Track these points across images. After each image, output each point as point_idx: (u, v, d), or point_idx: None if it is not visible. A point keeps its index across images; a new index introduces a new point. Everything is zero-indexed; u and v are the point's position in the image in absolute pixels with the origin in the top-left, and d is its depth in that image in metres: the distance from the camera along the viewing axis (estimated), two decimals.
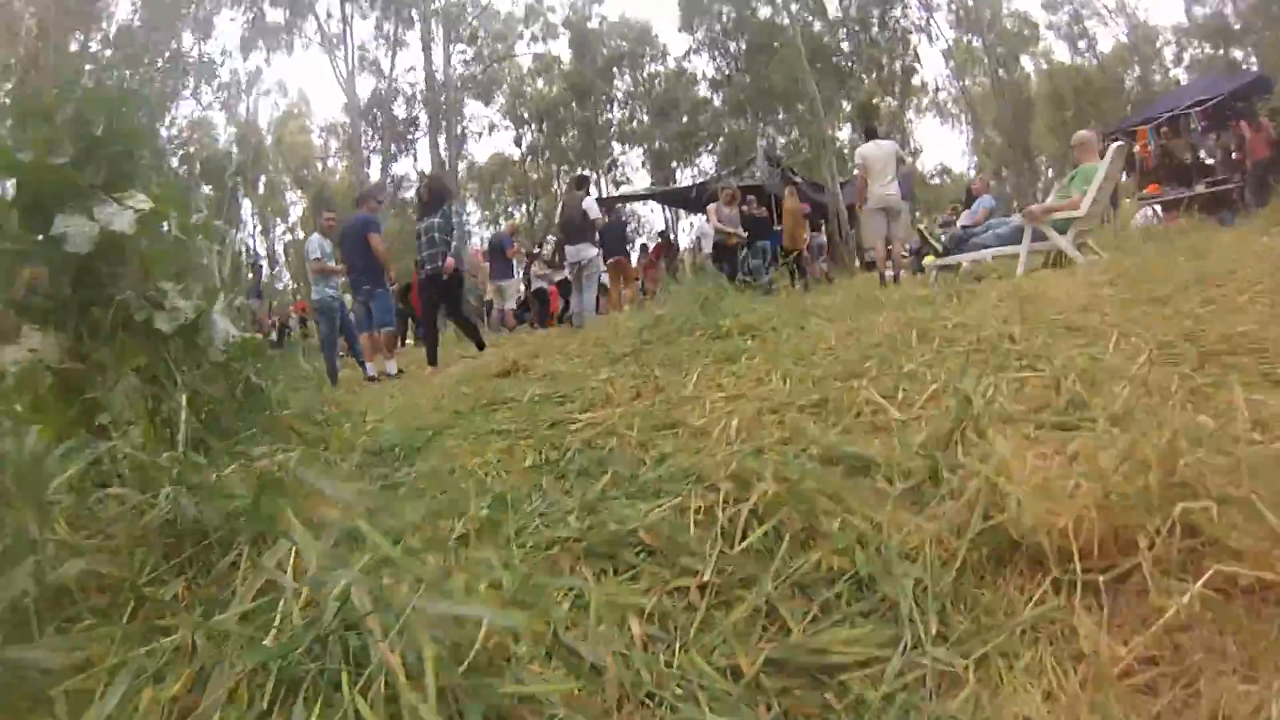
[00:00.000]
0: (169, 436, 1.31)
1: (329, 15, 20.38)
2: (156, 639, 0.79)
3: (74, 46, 17.25)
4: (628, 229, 12.79)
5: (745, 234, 8.76)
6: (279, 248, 27.49)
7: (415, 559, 0.85)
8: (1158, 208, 9.63)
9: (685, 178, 23.29)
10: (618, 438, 1.53)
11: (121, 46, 18.05)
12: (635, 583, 0.96)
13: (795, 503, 1.00)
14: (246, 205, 23.85)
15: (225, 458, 1.26)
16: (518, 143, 26.44)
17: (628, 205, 21.61)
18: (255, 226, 25.87)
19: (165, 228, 1.45)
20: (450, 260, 5.60)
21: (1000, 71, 21.24)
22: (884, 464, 1.14)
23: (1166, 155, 10.87)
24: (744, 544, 0.97)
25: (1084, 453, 0.92)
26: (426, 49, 20.17)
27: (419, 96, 21.25)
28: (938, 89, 24.91)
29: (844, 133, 22.80)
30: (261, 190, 25.09)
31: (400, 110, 21.83)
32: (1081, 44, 21.58)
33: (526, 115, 25.84)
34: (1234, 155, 9.71)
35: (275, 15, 20.74)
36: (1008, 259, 4.72)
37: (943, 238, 5.37)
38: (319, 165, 27.34)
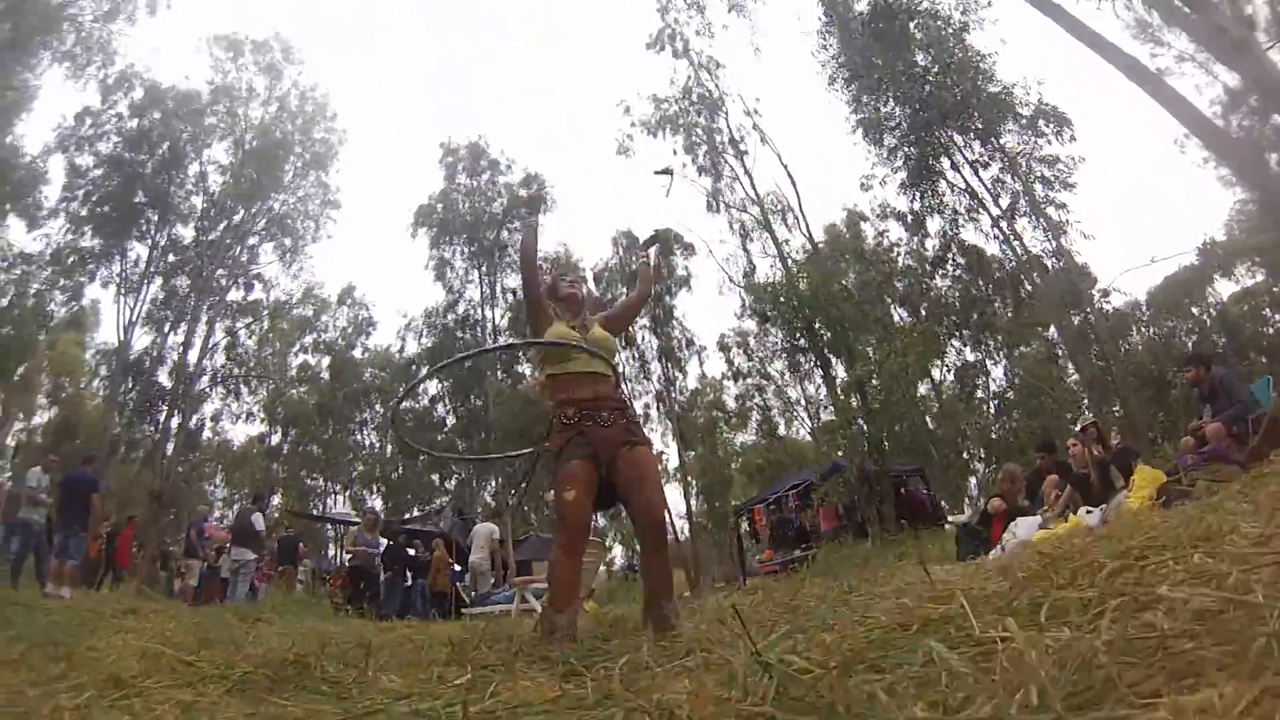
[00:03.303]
0: None
1: (134, 262, 19.90)
2: None
3: None
4: (299, 544, 14.15)
5: (379, 565, 10.42)
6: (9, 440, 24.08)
7: None
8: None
9: (415, 508, 24.07)
10: None
11: None
12: None
13: None
14: None
15: None
16: (261, 440, 26.46)
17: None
18: None
19: None
20: None
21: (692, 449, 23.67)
22: None
23: (779, 526, 14.55)
24: None
25: None
26: (189, 339, 20.01)
27: (171, 373, 20.50)
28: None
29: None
30: (17, 379, 22.41)
31: (164, 378, 20.59)
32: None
33: (281, 415, 26.11)
34: (813, 526, 13.79)
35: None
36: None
37: (473, 594, 9.15)
38: (77, 386, 25.70)
